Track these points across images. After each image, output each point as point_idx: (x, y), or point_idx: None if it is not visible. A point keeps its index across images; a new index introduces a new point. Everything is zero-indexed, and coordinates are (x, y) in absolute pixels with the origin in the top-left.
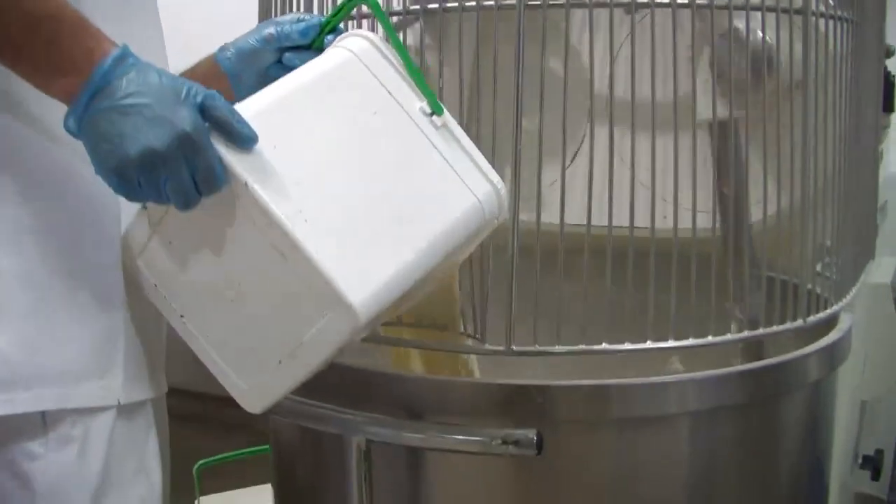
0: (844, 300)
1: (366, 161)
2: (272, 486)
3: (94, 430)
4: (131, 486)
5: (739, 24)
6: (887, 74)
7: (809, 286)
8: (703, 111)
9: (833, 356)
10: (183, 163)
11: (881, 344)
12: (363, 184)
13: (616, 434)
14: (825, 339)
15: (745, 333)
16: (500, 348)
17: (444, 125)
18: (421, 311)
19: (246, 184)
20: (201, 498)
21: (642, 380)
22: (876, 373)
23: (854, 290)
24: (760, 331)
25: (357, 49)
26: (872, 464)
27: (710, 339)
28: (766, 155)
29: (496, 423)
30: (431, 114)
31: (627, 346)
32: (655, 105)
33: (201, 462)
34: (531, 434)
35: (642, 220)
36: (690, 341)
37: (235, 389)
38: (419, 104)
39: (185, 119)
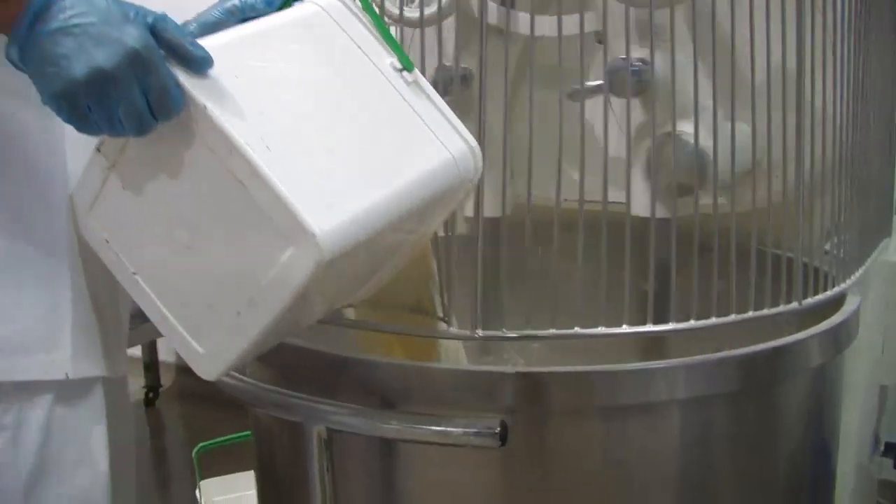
0: (849, 280)
1: (334, 103)
2: (255, 472)
3: (28, 419)
4: (71, 476)
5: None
6: None
7: (806, 260)
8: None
9: (837, 339)
10: (135, 83)
11: None
12: (331, 124)
13: (601, 423)
14: (828, 321)
15: (733, 317)
16: (465, 332)
17: (415, 82)
18: (394, 291)
19: (205, 107)
20: (201, 482)
21: (628, 366)
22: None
23: (861, 269)
24: (750, 314)
25: (325, 3)
26: (895, 451)
27: (692, 322)
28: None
29: (475, 412)
30: (402, 70)
31: (602, 330)
32: None
33: (201, 445)
34: (494, 424)
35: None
36: (671, 326)
37: (191, 354)
38: (389, 60)
39: (135, 37)
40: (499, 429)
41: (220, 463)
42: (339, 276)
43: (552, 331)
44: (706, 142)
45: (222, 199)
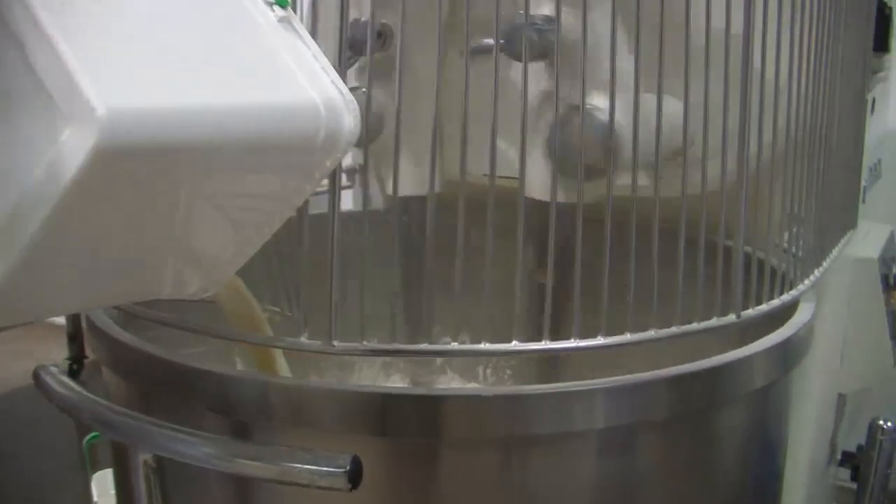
0: (805, 283)
1: (173, 6)
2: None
3: None
4: None
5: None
6: (881, 5)
7: (748, 250)
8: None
9: (787, 356)
10: None
11: (864, 329)
12: (160, 19)
13: (503, 456)
14: (776, 334)
15: (653, 333)
16: (317, 343)
17: (288, 20)
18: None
19: None
20: (94, 476)
21: (537, 388)
22: (856, 363)
23: (820, 270)
24: (674, 329)
25: None
26: (854, 462)
27: (602, 340)
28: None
29: (353, 440)
30: (273, 3)
31: (483, 346)
32: None
33: (91, 437)
34: (343, 462)
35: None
36: (561, 344)
37: None
38: None
39: None
40: (349, 467)
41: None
42: (132, 198)
43: (424, 345)
44: (623, 119)
45: (3, 76)
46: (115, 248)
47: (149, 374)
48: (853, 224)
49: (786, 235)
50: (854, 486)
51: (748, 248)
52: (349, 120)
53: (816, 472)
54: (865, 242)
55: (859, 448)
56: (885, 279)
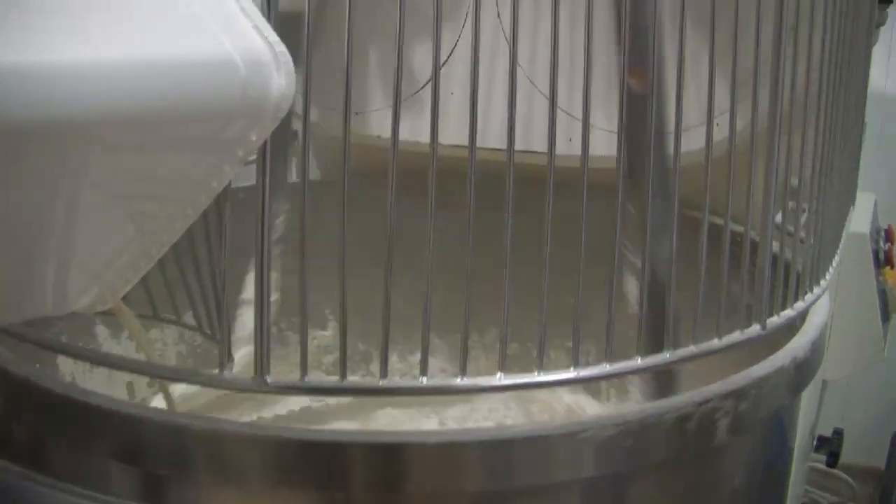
0: (826, 277)
1: None
2: None
3: None
4: None
5: None
6: None
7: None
8: None
9: (804, 370)
10: None
11: (853, 311)
12: None
13: None
14: (795, 343)
15: (667, 356)
16: (245, 379)
17: None
18: None
19: None
20: None
21: (514, 430)
22: (844, 348)
23: (836, 259)
24: (691, 348)
25: None
26: (829, 447)
27: (608, 368)
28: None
29: (291, 497)
30: None
31: (444, 383)
32: None
33: None
34: None
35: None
36: (556, 376)
37: None
38: None
39: None
40: None
41: None
42: None
43: (382, 383)
44: None
45: None
46: None
47: (39, 412)
48: (853, 199)
49: (799, 219)
50: (828, 469)
51: (775, 247)
52: (280, 78)
53: (801, 460)
54: (853, 214)
55: (835, 432)
56: (875, 255)
